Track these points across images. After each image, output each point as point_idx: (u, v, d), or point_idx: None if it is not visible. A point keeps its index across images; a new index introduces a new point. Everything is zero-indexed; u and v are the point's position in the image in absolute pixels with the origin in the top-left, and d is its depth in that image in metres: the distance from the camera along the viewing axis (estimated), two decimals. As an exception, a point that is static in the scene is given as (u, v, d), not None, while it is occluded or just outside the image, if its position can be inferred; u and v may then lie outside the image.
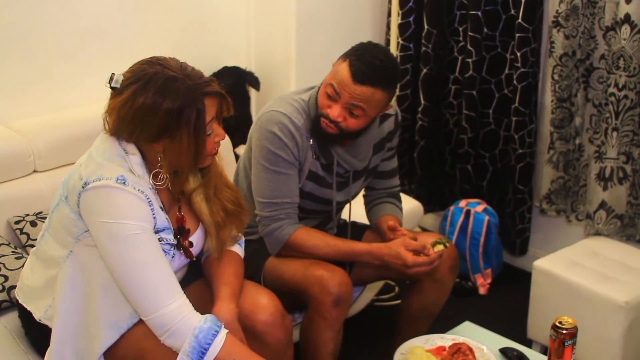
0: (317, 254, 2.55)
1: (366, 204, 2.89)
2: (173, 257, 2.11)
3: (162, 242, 2.05)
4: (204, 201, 2.20)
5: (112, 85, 1.97)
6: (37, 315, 2.18)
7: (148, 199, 1.99)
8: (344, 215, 2.84)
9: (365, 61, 2.37)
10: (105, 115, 2.01)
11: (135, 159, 2.01)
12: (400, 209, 2.85)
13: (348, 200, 2.73)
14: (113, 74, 1.97)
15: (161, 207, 2.06)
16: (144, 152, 2.04)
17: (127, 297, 2.00)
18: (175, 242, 2.11)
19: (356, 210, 2.85)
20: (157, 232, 2.03)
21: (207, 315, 2.00)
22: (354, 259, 2.62)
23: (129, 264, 1.95)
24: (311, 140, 2.54)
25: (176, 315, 1.96)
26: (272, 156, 2.51)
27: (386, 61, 2.42)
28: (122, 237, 1.94)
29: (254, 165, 2.57)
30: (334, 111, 2.43)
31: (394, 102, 2.75)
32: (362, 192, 2.88)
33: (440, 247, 2.50)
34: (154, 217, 2.01)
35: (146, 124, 1.94)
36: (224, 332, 1.98)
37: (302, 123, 2.52)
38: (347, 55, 2.43)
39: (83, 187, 1.95)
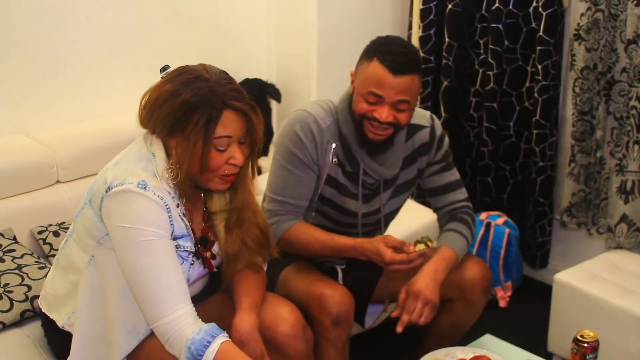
0: (309, 251, 2.54)
1: (439, 227, 2.77)
2: (192, 264, 2.12)
3: (180, 249, 2.06)
4: (223, 227, 2.21)
5: (162, 75, 2.06)
6: (60, 322, 2.20)
7: (166, 205, 2.00)
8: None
9: (395, 52, 2.36)
10: (142, 99, 2.06)
11: (161, 162, 2.03)
12: (464, 234, 2.64)
13: (377, 215, 2.67)
14: (167, 65, 2.08)
15: (183, 214, 2.08)
16: (168, 153, 2.05)
17: (137, 303, 2.02)
18: (194, 250, 2.11)
19: (391, 228, 2.80)
20: (174, 238, 2.04)
21: (204, 326, 1.98)
22: (341, 254, 2.56)
23: (140, 270, 1.96)
24: (334, 145, 2.52)
25: (174, 325, 1.96)
26: (289, 154, 2.50)
27: (410, 46, 2.45)
28: (136, 243, 1.95)
29: (272, 159, 2.58)
30: (382, 113, 2.38)
31: (429, 114, 2.69)
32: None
33: (421, 246, 2.48)
34: (172, 224, 2.02)
35: (163, 109, 1.98)
36: (217, 342, 1.95)
37: (328, 125, 2.51)
38: (370, 56, 2.39)
39: (106, 192, 1.98)
